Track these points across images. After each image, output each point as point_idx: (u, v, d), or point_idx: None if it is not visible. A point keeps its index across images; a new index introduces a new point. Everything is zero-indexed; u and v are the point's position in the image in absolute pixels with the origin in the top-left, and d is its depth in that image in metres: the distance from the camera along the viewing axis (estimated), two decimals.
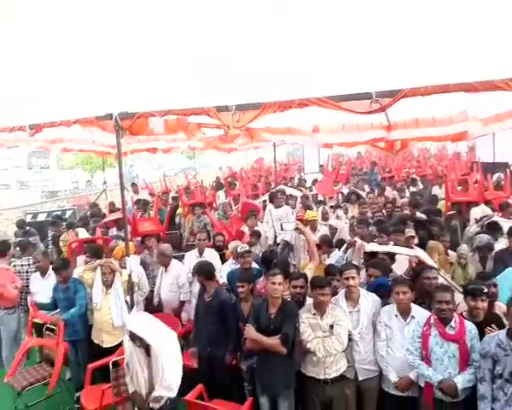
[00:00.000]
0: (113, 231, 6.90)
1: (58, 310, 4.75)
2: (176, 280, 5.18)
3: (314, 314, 3.40)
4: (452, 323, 3.03)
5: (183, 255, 5.79)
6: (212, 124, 5.80)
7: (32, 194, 22.72)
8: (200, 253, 5.44)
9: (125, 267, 4.60)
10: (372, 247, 4.30)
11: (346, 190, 9.01)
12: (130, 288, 4.48)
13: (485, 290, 3.15)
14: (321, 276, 3.79)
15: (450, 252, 4.95)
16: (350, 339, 3.42)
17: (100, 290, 4.59)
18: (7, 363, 5.26)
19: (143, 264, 5.54)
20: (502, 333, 2.83)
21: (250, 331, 3.41)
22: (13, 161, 28.26)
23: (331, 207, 7.54)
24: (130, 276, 4.43)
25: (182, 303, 5.22)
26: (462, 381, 2.92)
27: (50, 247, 7.35)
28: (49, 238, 7.74)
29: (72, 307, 4.61)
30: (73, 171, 28.08)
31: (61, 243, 6.80)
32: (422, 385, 3.15)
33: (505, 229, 5.03)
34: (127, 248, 4.52)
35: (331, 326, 3.32)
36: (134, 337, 3.25)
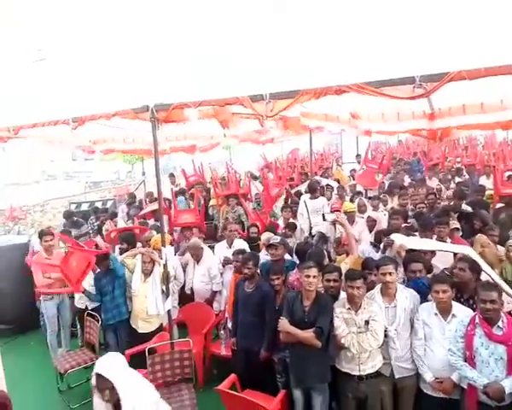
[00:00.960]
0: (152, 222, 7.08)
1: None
2: (208, 271, 5.26)
3: (348, 309, 3.31)
4: (500, 323, 2.83)
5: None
6: (246, 113, 5.77)
7: (76, 185, 23.82)
8: (230, 244, 5.46)
9: (161, 257, 4.69)
10: (413, 244, 4.06)
11: (386, 181, 8.66)
12: (166, 277, 4.56)
13: None
14: (355, 269, 3.66)
15: (499, 247, 4.62)
16: (386, 335, 3.29)
17: (138, 278, 4.77)
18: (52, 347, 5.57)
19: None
20: None
21: (284, 324, 3.38)
22: (59, 153, 29.65)
23: (369, 198, 7.29)
24: (165, 266, 4.51)
25: (214, 293, 5.29)
26: (510, 384, 2.73)
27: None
28: (90, 227, 8.08)
29: (118, 288, 4.83)
30: (115, 162, 29.07)
31: (104, 233, 7.07)
32: (465, 387, 2.98)
33: None
34: (163, 239, 4.59)
35: (366, 322, 3.21)
36: (101, 385, 2.46)
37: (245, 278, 4.18)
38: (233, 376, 3.93)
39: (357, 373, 3.28)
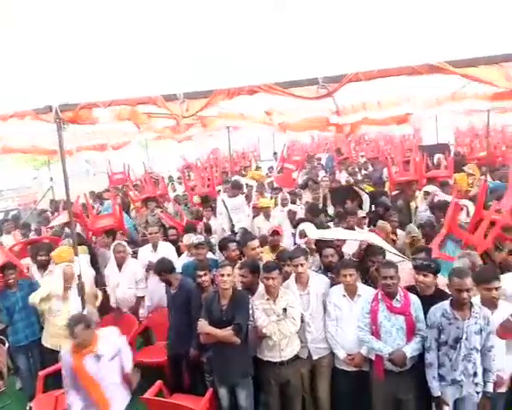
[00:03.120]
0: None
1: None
2: (133, 276, 5.08)
3: (267, 299, 3.45)
4: (398, 297, 3.18)
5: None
6: (162, 114, 5.66)
7: None
8: (155, 247, 5.34)
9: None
10: (318, 234, 4.37)
11: (302, 177, 9.14)
12: (81, 288, 4.30)
13: (432, 265, 3.31)
14: (271, 261, 3.82)
15: (398, 231, 5.19)
16: (302, 321, 3.50)
17: (60, 295, 4.40)
18: None
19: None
20: (446, 303, 3.01)
21: (203, 325, 3.41)
22: None
23: (288, 193, 7.63)
24: (79, 277, 4.25)
25: (139, 299, 5.13)
26: (410, 350, 3.09)
27: None
28: None
29: (28, 307, 4.41)
30: (18, 167, 26.28)
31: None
32: (373, 358, 3.29)
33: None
34: (75, 248, 4.32)
35: (284, 309, 3.39)
36: None
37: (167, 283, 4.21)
38: (159, 382, 3.85)
39: (278, 360, 3.43)
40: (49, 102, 4.25)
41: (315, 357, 3.60)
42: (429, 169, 7.68)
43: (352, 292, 3.50)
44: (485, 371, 2.97)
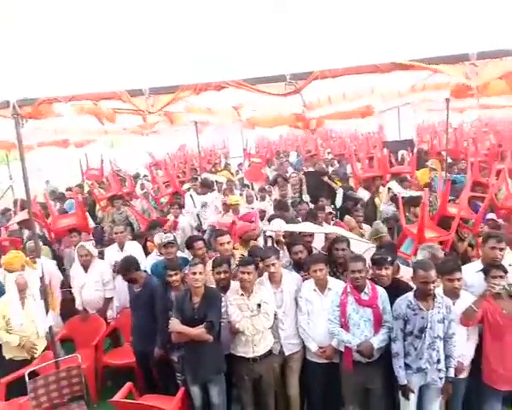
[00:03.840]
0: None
1: None
2: (100, 278, 4.93)
3: (242, 295, 3.45)
4: (366, 290, 3.27)
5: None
6: (127, 109, 5.51)
7: None
8: (121, 247, 5.21)
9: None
10: (286, 228, 4.41)
11: (272, 173, 9.21)
12: (44, 291, 4.13)
13: (390, 259, 3.44)
14: (247, 256, 3.83)
15: (364, 226, 5.34)
16: (275, 318, 3.53)
17: (18, 307, 4.21)
18: None
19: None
20: (410, 295, 3.12)
21: (175, 324, 3.37)
22: None
23: (259, 190, 7.67)
24: (42, 279, 4.07)
25: (107, 301, 4.99)
26: (377, 342, 3.18)
27: None
28: None
29: None
30: None
31: None
32: (343, 350, 3.36)
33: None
34: (37, 249, 4.13)
35: (258, 305, 3.40)
36: None
37: (128, 282, 4.16)
38: (129, 384, 3.77)
39: (251, 355, 3.44)
40: (7, 97, 4.04)
41: (287, 353, 3.64)
42: (393, 165, 7.94)
43: (322, 286, 3.55)
44: (447, 357, 3.10)
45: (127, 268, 4.12)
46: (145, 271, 4.35)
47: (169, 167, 9.95)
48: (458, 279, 3.19)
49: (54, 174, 10.58)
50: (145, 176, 11.34)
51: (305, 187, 6.98)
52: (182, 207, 6.85)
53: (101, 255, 5.37)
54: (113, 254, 5.23)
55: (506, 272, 3.18)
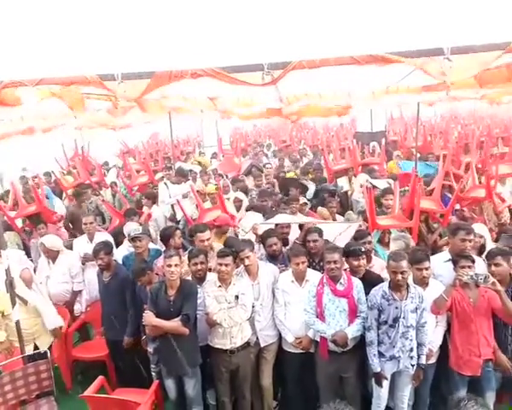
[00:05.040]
0: None
1: None
2: (68, 270, 4.75)
3: (219, 287, 3.43)
4: (342, 280, 3.31)
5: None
6: (98, 95, 5.30)
7: None
8: (91, 238, 5.04)
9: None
10: (266, 222, 4.42)
11: (246, 163, 9.13)
12: (10, 284, 3.94)
13: (363, 249, 3.51)
14: (226, 248, 3.78)
15: (338, 217, 5.42)
16: (253, 310, 3.52)
17: None
18: None
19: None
20: (385, 285, 3.19)
21: (149, 318, 3.30)
22: None
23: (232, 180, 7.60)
24: (7, 271, 3.88)
25: (75, 294, 4.83)
26: (351, 331, 3.24)
27: None
28: None
29: None
30: None
31: None
32: (318, 340, 3.41)
33: None
34: (2, 240, 3.93)
35: (236, 297, 3.38)
36: None
37: (101, 269, 4.09)
38: (100, 378, 3.68)
39: (229, 347, 3.43)
40: None
41: (262, 344, 3.66)
42: (365, 156, 8.08)
43: (300, 278, 3.58)
44: (420, 345, 3.20)
45: (100, 250, 4.05)
46: (115, 260, 4.28)
47: (142, 156, 9.73)
48: (426, 269, 3.28)
49: (29, 161, 10.10)
50: (115, 165, 11.06)
51: (276, 189, 6.96)
52: (155, 197, 6.68)
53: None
54: (83, 245, 5.05)
55: (473, 261, 3.31)
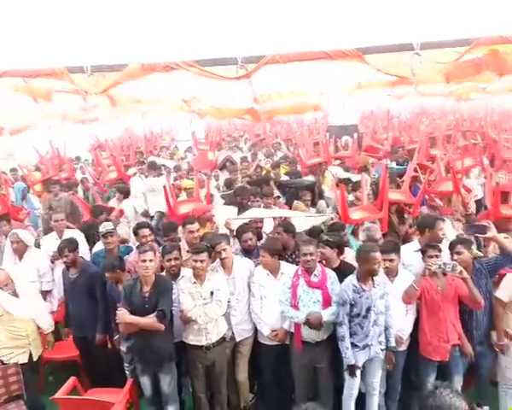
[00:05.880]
0: None
1: None
2: (36, 269, 4.57)
3: (194, 283, 3.40)
4: (316, 272, 3.36)
5: None
6: (67, 89, 5.14)
7: None
8: (60, 236, 4.88)
9: None
10: (240, 217, 4.41)
11: (222, 156, 9.07)
12: None
13: (330, 240, 3.58)
14: (200, 243, 3.75)
15: (312, 209, 5.48)
16: (228, 305, 3.52)
17: None
18: None
19: None
20: (354, 278, 3.24)
21: (123, 315, 3.24)
22: None
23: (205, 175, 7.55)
24: None
25: (44, 294, 4.65)
26: (325, 314, 3.27)
27: None
28: None
29: None
30: None
31: None
32: (293, 331, 3.45)
33: None
34: None
35: (211, 293, 3.37)
36: None
37: (66, 266, 4.01)
38: (72, 379, 3.59)
39: (204, 343, 3.41)
40: None
41: (238, 339, 3.67)
42: (339, 150, 8.21)
43: (275, 271, 3.60)
44: (387, 329, 3.31)
45: (65, 247, 3.96)
46: (81, 257, 4.20)
47: (113, 150, 9.50)
48: (391, 260, 3.39)
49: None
50: (85, 160, 10.77)
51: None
52: (127, 193, 6.55)
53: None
54: (51, 243, 4.87)
55: (441, 251, 3.43)
